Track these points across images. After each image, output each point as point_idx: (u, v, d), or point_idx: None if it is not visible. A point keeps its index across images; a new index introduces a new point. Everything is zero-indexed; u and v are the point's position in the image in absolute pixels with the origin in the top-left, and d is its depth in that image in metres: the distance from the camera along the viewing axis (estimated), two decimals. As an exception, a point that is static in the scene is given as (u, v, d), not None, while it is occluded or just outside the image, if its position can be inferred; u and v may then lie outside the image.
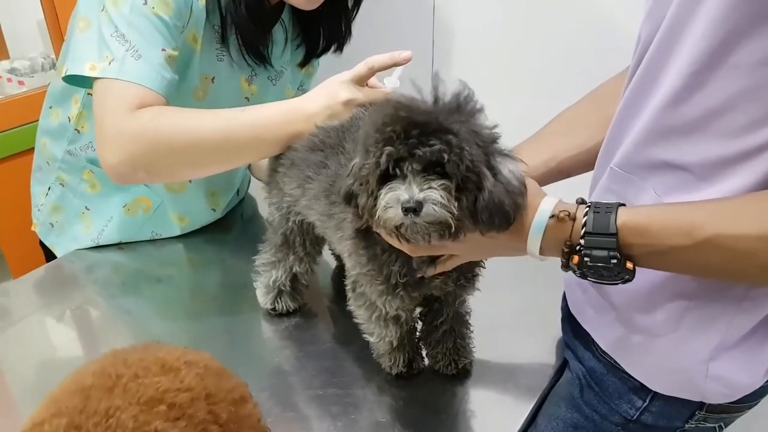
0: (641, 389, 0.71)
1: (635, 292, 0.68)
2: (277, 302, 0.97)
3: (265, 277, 0.96)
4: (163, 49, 0.91)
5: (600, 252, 0.58)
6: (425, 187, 0.59)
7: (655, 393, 0.70)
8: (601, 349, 0.74)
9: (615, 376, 0.73)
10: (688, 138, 0.59)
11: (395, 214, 0.60)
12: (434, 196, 0.59)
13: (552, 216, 0.61)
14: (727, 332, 0.64)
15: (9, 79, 1.90)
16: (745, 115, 0.55)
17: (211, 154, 0.90)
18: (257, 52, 1.04)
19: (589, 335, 0.76)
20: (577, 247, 0.59)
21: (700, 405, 0.70)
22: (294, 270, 0.94)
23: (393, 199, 0.60)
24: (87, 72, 0.90)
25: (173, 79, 0.93)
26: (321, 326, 0.97)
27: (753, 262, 0.54)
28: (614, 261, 0.57)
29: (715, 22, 0.54)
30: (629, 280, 0.60)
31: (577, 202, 0.62)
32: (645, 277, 0.66)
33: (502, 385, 0.84)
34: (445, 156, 0.59)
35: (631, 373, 0.71)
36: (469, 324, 0.85)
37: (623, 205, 0.60)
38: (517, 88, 1.34)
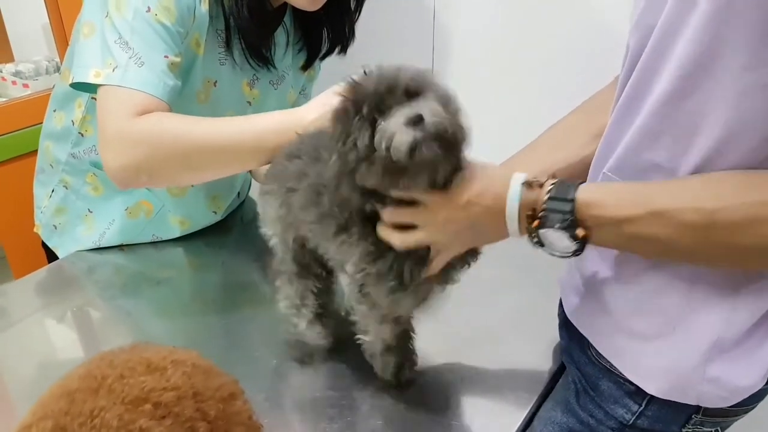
0: (637, 393, 0.71)
1: (631, 294, 0.68)
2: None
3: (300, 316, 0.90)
4: (166, 56, 0.91)
5: (556, 215, 0.62)
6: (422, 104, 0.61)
7: (652, 397, 0.70)
8: (596, 353, 0.74)
9: (610, 381, 0.73)
10: (678, 141, 0.60)
11: (404, 135, 0.59)
12: (431, 105, 0.61)
13: (523, 183, 0.65)
14: (724, 332, 0.64)
15: (13, 82, 1.92)
16: None
17: (211, 159, 0.91)
18: (260, 55, 1.04)
19: (585, 339, 0.76)
20: (540, 213, 0.63)
21: (697, 408, 0.69)
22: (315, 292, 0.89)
23: (395, 124, 0.60)
24: (92, 79, 0.90)
25: (176, 85, 0.93)
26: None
27: (688, 235, 0.58)
28: (567, 222, 0.62)
29: (701, 28, 0.55)
30: (578, 253, 0.64)
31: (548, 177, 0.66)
32: (641, 279, 0.67)
33: (498, 390, 0.84)
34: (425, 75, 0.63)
35: (627, 376, 0.71)
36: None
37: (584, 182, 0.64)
38: (516, 89, 1.34)
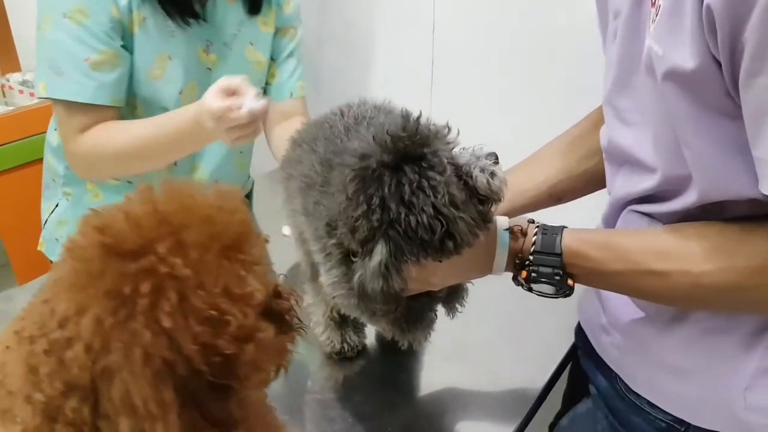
0: (667, 429, 0.69)
1: (670, 336, 0.67)
2: (345, 341, 0.90)
3: (315, 315, 0.89)
4: (87, 58, 0.96)
5: (546, 269, 0.64)
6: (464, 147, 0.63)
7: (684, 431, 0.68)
8: (626, 387, 0.72)
9: (640, 417, 0.71)
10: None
11: (499, 169, 0.62)
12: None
13: (507, 229, 0.66)
14: (761, 361, 0.63)
15: (21, 91, 1.94)
16: None
17: (141, 161, 1.03)
18: (192, 11, 1.03)
19: (613, 373, 0.74)
20: (526, 263, 0.65)
21: None
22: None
23: (484, 163, 0.62)
24: (41, 93, 0.99)
25: (106, 82, 0.98)
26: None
27: (673, 293, 0.62)
28: (557, 277, 0.64)
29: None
30: (569, 295, 0.66)
31: (528, 222, 0.68)
32: (681, 325, 0.66)
33: (489, 401, 0.85)
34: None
35: (669, 411, 0.68)
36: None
37: (566, 227, 0.66)
38: (514, 101, 1.35)
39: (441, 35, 1.41)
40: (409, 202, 0.58)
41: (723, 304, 0.61)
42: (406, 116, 0.62)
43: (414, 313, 0.74)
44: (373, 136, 0.61)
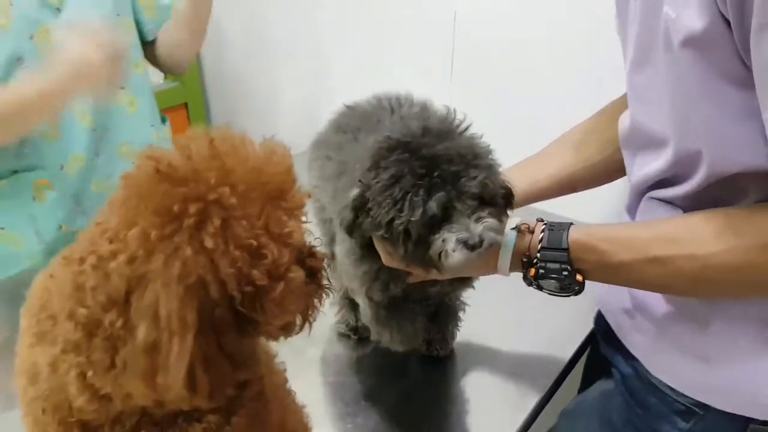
0: (686, 412, 0.68)
1: (691, 319, 0.66)
2: (359, 321, 0.89)
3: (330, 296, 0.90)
4: None
5: (553, 265, 0.64)
6: (482, 217, 0.60)
7: (702, 416, 0.67)
8: (644, 369, 0.71)
9: (656, 397, 0.70)
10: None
11: (462, 256, 0.60)
12: (493, 224, 0.60)
13: (514, 228, 0.66)
14: None
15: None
16: None
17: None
18: None
19: (633, 357, 0.73)
20: (534, 260, 0.64)
21: (746, 421, 0.66)
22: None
23: (456, 242, 0.60)
24: None
25: None
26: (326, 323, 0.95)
27: (681, 279, 0.60)
28: (565, 273, 0.63)
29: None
30: (580, 292, 0.65)
31: (537, 221, 0.67)
32: (700, 305, 0.65)
33: (499, 390, 0.84)
34: (488, 184, 0.60)
35: (691, 395, 0.67)
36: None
37: (572, 223, 0.65)
38: (535, 92, 1.33)
39: (462, 25, 1.40)
40: (398, 209, 0.60)
41: (733, 288, 0.60)
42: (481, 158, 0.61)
43: (397, 312, 0.75)
44: (437, 138, 0.61)
